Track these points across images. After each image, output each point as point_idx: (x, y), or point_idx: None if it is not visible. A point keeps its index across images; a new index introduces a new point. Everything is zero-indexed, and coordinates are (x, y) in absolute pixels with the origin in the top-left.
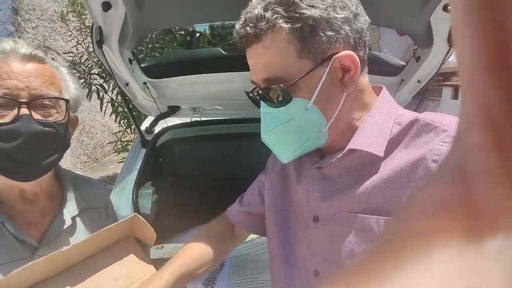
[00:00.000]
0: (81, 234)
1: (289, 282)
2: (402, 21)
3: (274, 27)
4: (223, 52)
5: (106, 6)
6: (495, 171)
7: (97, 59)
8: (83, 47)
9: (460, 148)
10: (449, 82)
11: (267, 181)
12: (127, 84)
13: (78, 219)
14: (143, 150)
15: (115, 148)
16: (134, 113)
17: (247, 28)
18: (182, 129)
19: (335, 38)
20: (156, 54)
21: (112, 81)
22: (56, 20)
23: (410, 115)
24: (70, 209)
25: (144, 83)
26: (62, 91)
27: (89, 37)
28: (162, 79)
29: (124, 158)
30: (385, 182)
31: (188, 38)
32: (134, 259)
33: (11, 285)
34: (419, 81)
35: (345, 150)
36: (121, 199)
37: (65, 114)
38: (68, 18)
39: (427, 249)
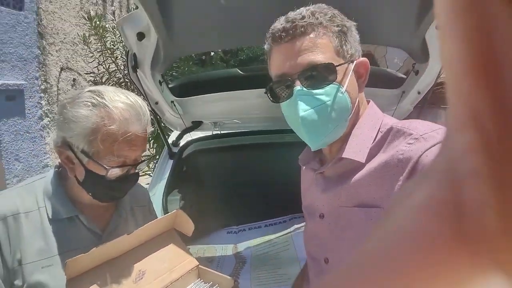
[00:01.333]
0: (132, 228)
1: (310, 269)
2: (398, 39)
3: (321, 25)
4: (240, 72)
5: (141, 36)
6: (482, 173)
7: (116, 78)
8: (104, 68)
9: (448, 151)
10: None
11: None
12: (157, 103)
13: (129, 215)
14: (171, 161)
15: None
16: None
17: (296, 23)
18: (204, 141)
19: (356, 47)
20: (173, 73)
21: None
22: (78, 43)
23: (390, 123)
24: (124, 206)
25: (172, 101)
26: None
27: (109, 58)
28: (187, 98)
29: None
30: (365, 180)
31: (203, 57)
32: (176, 247)
33: (91, 258)
34: (419, 92)
35: (335, 160)
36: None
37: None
38: (89, 41)
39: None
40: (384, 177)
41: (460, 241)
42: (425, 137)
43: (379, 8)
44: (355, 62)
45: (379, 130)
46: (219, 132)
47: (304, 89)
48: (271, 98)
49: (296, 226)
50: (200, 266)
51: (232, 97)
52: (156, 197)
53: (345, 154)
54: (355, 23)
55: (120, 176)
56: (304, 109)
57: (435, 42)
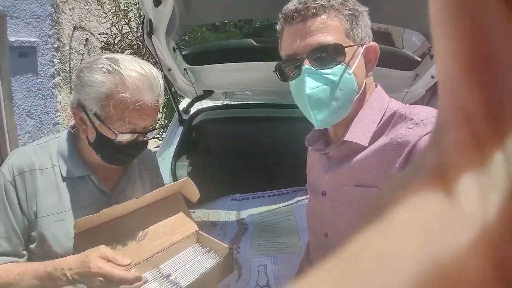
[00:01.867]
0: (139, 190)
1: (311, 243)
2: (417, 22)
3: (333, 7)
4: (254, 43)
5: (157, 2)
6: (473, 170)
7: (129, 40)
8: (117, 29)
9: (439, 148)
10: None
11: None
12: (169, 70)
13: (137, 178)
14: (180, 128)
15: None
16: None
17: (308, 4)
18: (215, 111)
19: (367, 31)
20: (186, 38)
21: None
22: (92, 2)
23: (395, 107)
24: (133, 170)
25: (185, 69)
26: None
27: (123, 20)
28: (200, 66)
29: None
30: (366, 161)
31: (217, 23)
32: (179, 212)
33: (99, 218)
34: (432, 77)
35: (339, 142)
36: (161, 169)
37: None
38: (103, 1)
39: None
40: (383, 160)
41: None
42: (425, 123)
43: None
44: (364, 46)
45: (384, 114)
46: (229, 103)
47: (312, 68)
48: (279, 77)
49: (298, 198)
50: (199, 231)
51: (244, 68)
52: (165, 162)
53: (349, 137)
54: (367, 9)
55: (129, 142)
56: (310, 87)
57: None
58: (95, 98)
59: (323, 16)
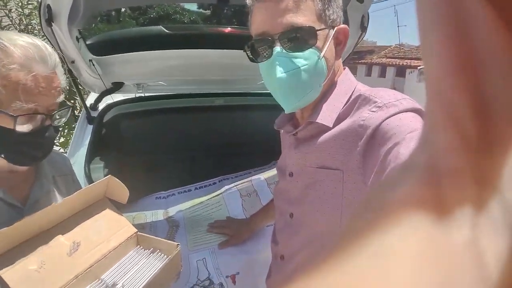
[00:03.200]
0: (55, 199)
1: (277, 222)
2: None
3: None
4: (165, 30)
5: None
6: (462, 170)
7: None
8: None
9: (429, 149)
10: (363, 60)
11: None
12: (73, 62)
13: (51, 185)
14: (90, 127)
15: None
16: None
17: None
18: (128, 104)
19: (338, 13)
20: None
21: None
22: None
23: (361, 90)
24: (46, 176)
25: (90, 60)
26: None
27: (1, 11)
28: (107, 56)
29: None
30: (329, 143)
31: (113, 13)
32: (111, 215)
33: (15, 233)
34: None
35: (306, 123)
36: None
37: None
38: None
39: (391, 237)
40: (345, 142)
41: (439, 226)
42: (388, 106)
43: None
44: (335, 28)
45: (350, 96)
46: (142, 95)
47: (284, 51)
48: (250, 57)
49: (226, 187)
50: (139, 233)
51: (157, 57)
52: (77, 166)
53: (312, 119)
54: None
55: (34, 129)
56: (281, 71)
57: (354, 14)
58: None
59: None
